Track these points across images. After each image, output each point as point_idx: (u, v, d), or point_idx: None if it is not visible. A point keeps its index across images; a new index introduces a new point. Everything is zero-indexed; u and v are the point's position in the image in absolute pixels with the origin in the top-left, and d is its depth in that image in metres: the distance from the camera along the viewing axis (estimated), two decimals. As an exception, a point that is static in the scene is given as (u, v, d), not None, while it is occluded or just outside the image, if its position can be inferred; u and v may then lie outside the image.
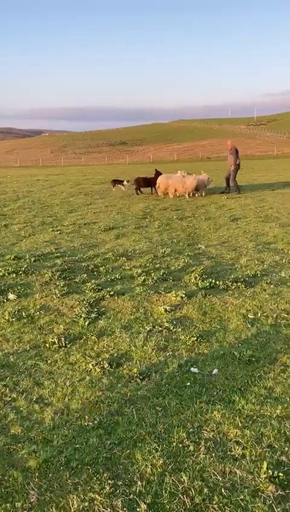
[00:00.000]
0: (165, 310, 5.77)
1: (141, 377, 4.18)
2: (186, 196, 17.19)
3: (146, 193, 19.26)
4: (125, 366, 4.43)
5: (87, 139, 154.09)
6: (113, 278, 7.17)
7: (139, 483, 2.95)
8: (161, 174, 18.58)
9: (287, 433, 3.36)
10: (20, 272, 7.50)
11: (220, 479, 2.96)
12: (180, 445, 3.25)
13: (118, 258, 8.39)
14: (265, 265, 7.66)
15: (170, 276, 7.17)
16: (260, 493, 2.85)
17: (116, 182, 20.78)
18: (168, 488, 2.90)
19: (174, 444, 3.27)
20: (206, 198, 17.12)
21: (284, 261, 7.89)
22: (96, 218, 13.11)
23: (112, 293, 6.43)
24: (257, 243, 9.41)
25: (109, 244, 9.66)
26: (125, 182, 20.26)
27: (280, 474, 2.95)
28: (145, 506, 2.76)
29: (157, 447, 3.24)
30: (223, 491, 2.87)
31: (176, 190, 17.25)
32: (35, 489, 2.94)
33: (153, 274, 7.22)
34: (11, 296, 6.39)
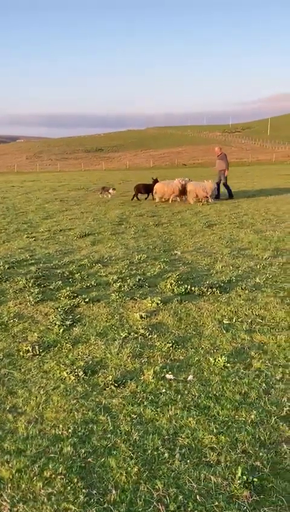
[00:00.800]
0: (141, 317, 5.76)
1: (116, 385, 4.16)
2: (210, 200, 17.32)
3: (122, 200, 19.31)
4: (100, 374, 4.40)
5: (63, 145, 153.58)
6: (88, 284, 7.14)
7: (113, 491, 2.92)
8: (157, 181, 18.93)
9: (262, 438, 3.38)
10: (-6, 279, 7.40)
11: (195, 485, 2.96)
12: (155, 453, 3.24)
13: (93, 264, 8.36)
14: (240, 271, 7.73)
15: (145, 283, 7.17)
16: (235, 499, 2.85)
17: (105, 189, 20.98)
18: (143, 496, 2.88)
19: (149, 451, 3.26)
20: (182, 204, 17.22)
21: (258, 266, 7.97)
22: (72, 225, 13.05)
23: (87, 299, 6.40)
24: (232, 248, 9.49)
25: (85, 251, 9.63)
26: (111, 190, 20.48)
27: (255, 479, 2.96)
28: (119, 515, 2.74)
29: (132, 455, 3.23)
30: (198, 497, 2.86)
31: (197, 195, 17.27)
32: (8, 501, 2.89)
33: (128, 280, 7.21)
34: (-16, 304, 6.30)
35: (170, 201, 17.71)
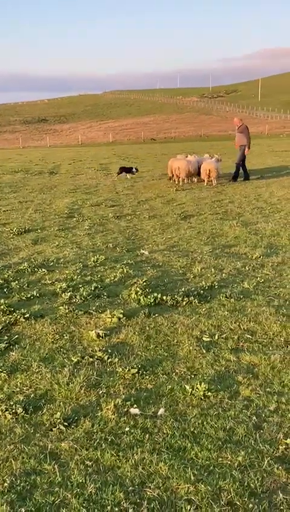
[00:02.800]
0: (98, 336, 5.77)
1: (65, 424, 4.16)
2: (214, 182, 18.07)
3: (74, 185, 19.29)
4: (45, 411, 4.39)
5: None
6: (29, 295, 7.11)
7: None
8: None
9: (252, 485, 3.43)
10: None
11: None
12: (117, 509, 3.26)
13: (36, 269, 8.33)
14: (224, 275, 7.82)
15: (104, 292, 7.18)
16: None
17: (124, 170, 21.45)
18: None
19: (109, 507, 3.27)
20: (151, 190, 17.32)
21: (247, 268, 8.10)
22: (7, 218, 12.96)
23: (27, 315, 6.37)
24: (214, 246, 9.60)
25: (25, 252, 9.57)
26: (134, 169, 21.38)
27: (243, 537, 3.02)
28: None
29: (87, 513, 3.23)
30: None
31: (210, 172, 17.94)
32: None
33: (82, 289, 7.21)
34: None
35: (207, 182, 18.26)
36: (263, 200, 14.71)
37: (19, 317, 6.34)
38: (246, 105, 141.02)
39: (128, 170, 21.58)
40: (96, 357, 5.30)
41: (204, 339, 5.66)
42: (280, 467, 3.59)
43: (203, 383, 4.62)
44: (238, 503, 3.28)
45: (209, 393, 4.52)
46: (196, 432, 4.03)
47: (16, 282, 7.69)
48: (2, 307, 6.65)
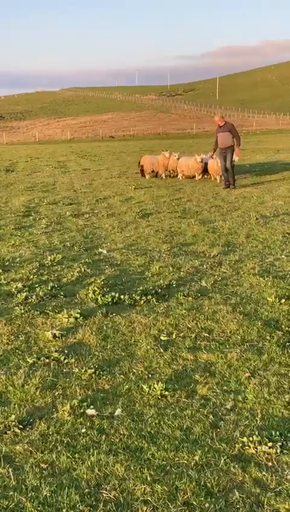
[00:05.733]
0: (54, 336, 5.73)
1: (20, 426, 4.11)
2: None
3: (32, 183, 19.13)
4: (-1, 413, 4.34)
5: None
6: (-16, 296, 7.01)
7: None
8: None
9: (209, 484, 3.44)
10: None
11: None
12: (72, 512, 3.23)
13: (-10, 269, 8.22)
14: (182, 273, 7.85)
15: (60, 291, 7.13)
16: None
17: None
18: None
19: (64, 510, 3.24)
20: (110, 188, 17.29)
21: (205, 266, 8.14)
22: None
23: (-18, 316, 6.28)
24: (172, 244, 9.63)
25: (-21, 251, 9.43)
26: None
27: (199, 537, 3.03)
28: None
29: (41, 517, 3.20)
30: None
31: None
32: None
33: (38, 289, 7.15)
34: None
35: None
36: (220, 198, 14.82)
37: (-27, 318, 6.25)
38: (204, 104, 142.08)
39: None
40: (52, 358, 5.25)
41: (162, 338, 5.67)
42: (237, 466, 3.61)
43: (160, 383, 4.62)
44: (194, 502, 3.29)
45: (166, 393, 4.53)
46: (152, 431, 4.02)
47: None
48: None
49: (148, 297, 6.74)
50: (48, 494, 3.38)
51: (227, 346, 5.44)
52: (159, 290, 7.05)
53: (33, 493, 3.40)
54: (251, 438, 3.82)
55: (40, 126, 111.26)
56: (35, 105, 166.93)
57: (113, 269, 8.18)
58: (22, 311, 6.44)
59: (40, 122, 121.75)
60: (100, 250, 9.38)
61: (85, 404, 4.39)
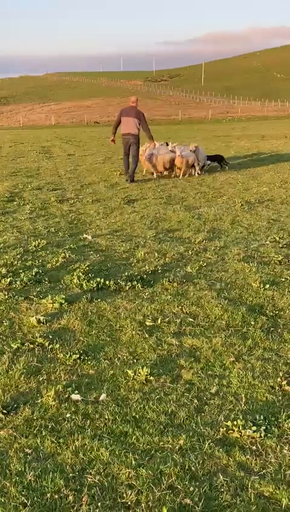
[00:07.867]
0: (39, 321, 5.70)
1: (4, 411, 4.09)
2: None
3: (16, 168, 18.98)
4: (-17, 399, 4.32)
5: None
6: None
7: None
8: None
9: (193, 468, 3.46)
10: None
11: (109, 534, 2.99)
12: (56, 496, 3.22)
13: (-26, 254, 8.16)
14: (167, 259, 7.85)
15: (45, 277, 7.10)
16: None
17: (210, 158, 18.09)
18: None
19: (49, 495, 3.24)
20: (94, 174, 17.21)
21: (190, 252, 8.15)
22: None
23: None
24: (158, 230, 9.62)
25: None
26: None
27: (184, 520, 3.04)
28: None
29: (25, 501, 3.19)
30: None
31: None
32: None
33: (22, 275, 7.10)
34: None
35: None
36: (206, 184, 14.82)
37: None
38: (190, 90, 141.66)
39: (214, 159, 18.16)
40: (36, 343, 5.23)
41: (147, 323, 5.67)
42: (221, 450, 3.63)
43: (145, 368, 4.62)
44: (179, 486, 3.30)
45: (151, 378, 4.53)
46: (137, 416, 4.03)
47: None
48: None
49: (133, 283, 6.73)
50: (32, 479, 3.37)
51: (212, 332, 5.46)
52: (145, 276, 7.04)
53: (17, 478, 3.39)
54: (235, 422, 3.84)
55: (24, 111, 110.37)
56: (19, 90, 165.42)
57: (98, 255, 8.15)
58: (6, 296, 6.40)
59: (24, 107, 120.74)
60: (85, 236, 9.34)
61: (70, 389, 4.39)
